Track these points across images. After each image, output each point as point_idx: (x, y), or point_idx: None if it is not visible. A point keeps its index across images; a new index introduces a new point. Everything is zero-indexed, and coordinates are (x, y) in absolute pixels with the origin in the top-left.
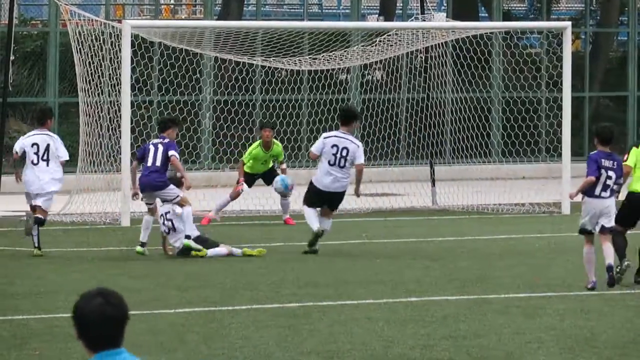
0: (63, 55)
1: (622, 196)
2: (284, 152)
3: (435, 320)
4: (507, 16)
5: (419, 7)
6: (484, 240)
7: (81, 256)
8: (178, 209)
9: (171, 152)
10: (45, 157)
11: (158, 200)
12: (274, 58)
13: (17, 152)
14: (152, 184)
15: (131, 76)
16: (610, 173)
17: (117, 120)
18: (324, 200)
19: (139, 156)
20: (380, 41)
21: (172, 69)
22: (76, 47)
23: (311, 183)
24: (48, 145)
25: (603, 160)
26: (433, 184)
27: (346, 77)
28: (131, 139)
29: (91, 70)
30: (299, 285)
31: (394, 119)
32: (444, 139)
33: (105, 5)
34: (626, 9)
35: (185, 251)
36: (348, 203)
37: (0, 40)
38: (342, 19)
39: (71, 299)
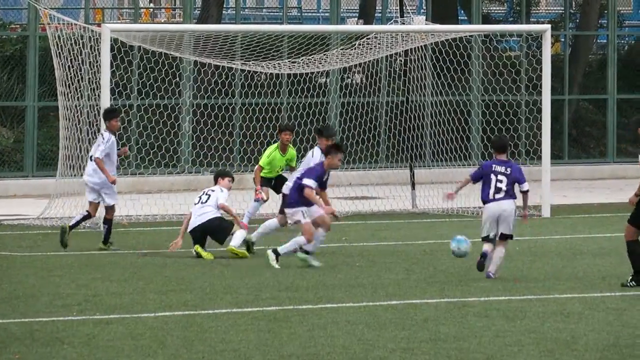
0: (42, 59)
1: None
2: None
3: (416, 323)
4: (487, 19)
5: (399, 10)
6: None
7: (61, 260)
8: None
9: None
10: None
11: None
12: (253, 61)
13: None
14: None
15: (111, 80)
16: (501, 177)
17: (96, 124)
18: None
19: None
20: (359, 44)
21: (151, 73)
22: (55, 51)
23: None
24: None
25: (494, 166)
26: (413, 187)
27: (325, 81)
28: None
29: (71, 74)
30: (279, 289)
31: (374, 122)
32: (423, 142)
33: (84, 9)
34: (605, 11)
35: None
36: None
37: None
38: (321, 22)
39: (52, 302)
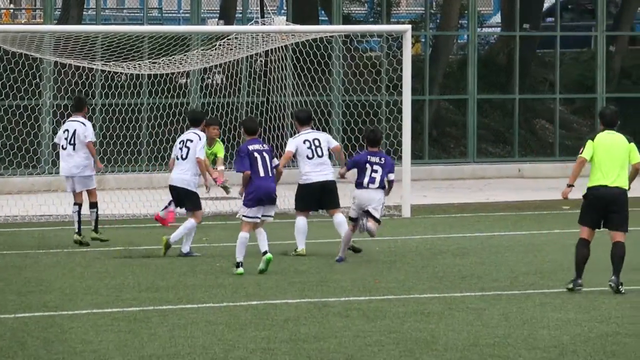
0: None
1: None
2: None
3: (276, 323)
4: (347, 19)
5: (259, 11)
6: (325, 244)
7: None
8: None
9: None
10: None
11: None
12: (113, 62)
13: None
14: None
15: None
16: (376, 167)
17: None
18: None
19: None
20: (220, 45)
21: (11, 74)
22: None
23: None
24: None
25: (369, 157)
26: None
27: (186, 81)
28: None
29: None
30: (139, 290)
31: (234, 122)
32: (284, 142)
33: None
34: (466, 12)
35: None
36: None
37: None
38: (182, 23)
39: None
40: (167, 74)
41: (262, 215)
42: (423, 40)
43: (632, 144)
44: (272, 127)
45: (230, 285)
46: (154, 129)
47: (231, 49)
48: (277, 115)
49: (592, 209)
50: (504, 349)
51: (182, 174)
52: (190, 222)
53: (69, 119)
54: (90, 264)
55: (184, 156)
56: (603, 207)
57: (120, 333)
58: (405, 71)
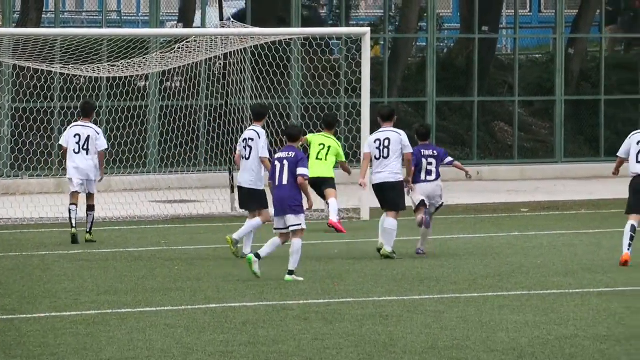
0: None
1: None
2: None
3: (234, 326)
4: (307, 22)
5: (218, 14)
6: (285, 246)
7: None
8: None
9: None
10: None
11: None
12: (72, 65)
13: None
14: None
15: None
16: (431, 160)
17: None
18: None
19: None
20: (179, 48)
21: None
22: None
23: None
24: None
25: (422, 150)
26: (232, 190)
27: (145, 84)
28: None
29: None
30: (98, 293)
31: (192, 125)
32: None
33: None
34: (425, 14)
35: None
36: (146, 210)
37: None
38: (141, 26)
39: None
40: (126, 77)
41: (290, 226)
42: (382, 43)
43: None
44: (230, 130)
45: (189, 288)
46: (112, 132)
47: (190, 52)
48: (236, 118)
49: None
50: (462, 351)
51: (247, 174)
52: (257, 220)
53: (78, 124)
54: (49, 267)
55: (247, 156)
56: None
57: (79, 336)
58: (364, 74)
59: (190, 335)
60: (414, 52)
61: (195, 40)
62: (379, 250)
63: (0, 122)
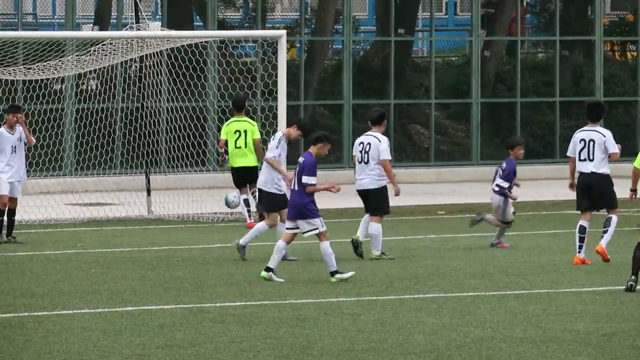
0: None
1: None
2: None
3: (151, 329)
4: (222, 25)
5: (134, 16)
6: (200, 249)
7: None
8: None
9: None
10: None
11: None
12: None
13: None
14: None
15: None
16: (500, 172)
17: None
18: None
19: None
20: (95, 50)
21: None
22: None
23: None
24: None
25: (502, 163)
26: (148, 193)
27: (61, 87)
28: None
29: None
30: (14, 296)
31: (108, 128)
32: (159, 148)
33: None
34: (341, 17)
35: None
36: (62, 213)
37: None
38: (57, 29)
39: None
40: (42, 80)
41: (304, 233)
42: (298, 45)
43: None
44: (147, 132)
45: (105, 291)
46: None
47: (106, 55)
48: (152, 121)
49: None
50: (379, 354)
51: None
52: (262, 224)
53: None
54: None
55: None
56: None
57: None
58: (280, 76)
59: (107, 338)
60: (330, 54)
61: (111, 43)
62: (353, 242)
63: None
